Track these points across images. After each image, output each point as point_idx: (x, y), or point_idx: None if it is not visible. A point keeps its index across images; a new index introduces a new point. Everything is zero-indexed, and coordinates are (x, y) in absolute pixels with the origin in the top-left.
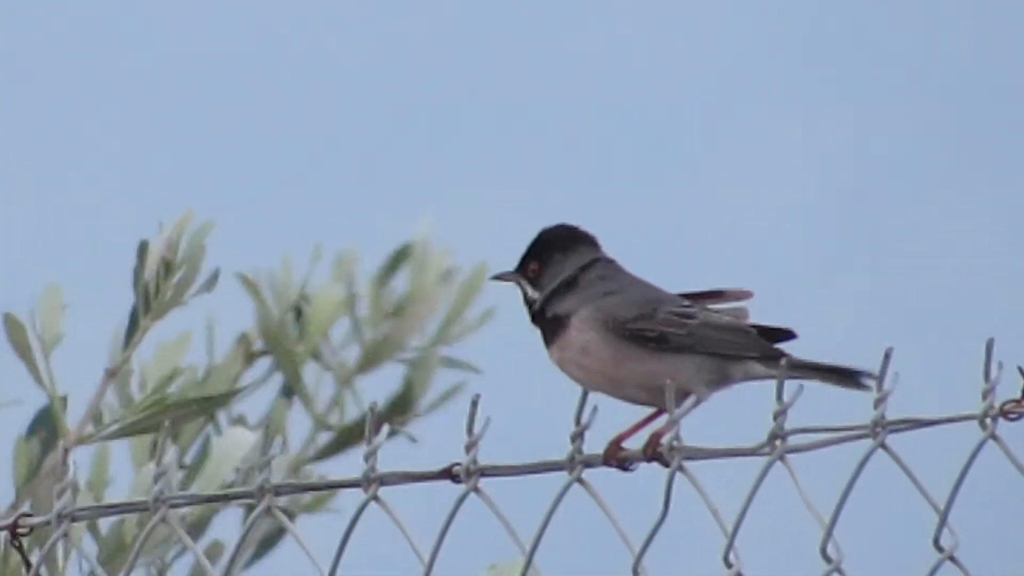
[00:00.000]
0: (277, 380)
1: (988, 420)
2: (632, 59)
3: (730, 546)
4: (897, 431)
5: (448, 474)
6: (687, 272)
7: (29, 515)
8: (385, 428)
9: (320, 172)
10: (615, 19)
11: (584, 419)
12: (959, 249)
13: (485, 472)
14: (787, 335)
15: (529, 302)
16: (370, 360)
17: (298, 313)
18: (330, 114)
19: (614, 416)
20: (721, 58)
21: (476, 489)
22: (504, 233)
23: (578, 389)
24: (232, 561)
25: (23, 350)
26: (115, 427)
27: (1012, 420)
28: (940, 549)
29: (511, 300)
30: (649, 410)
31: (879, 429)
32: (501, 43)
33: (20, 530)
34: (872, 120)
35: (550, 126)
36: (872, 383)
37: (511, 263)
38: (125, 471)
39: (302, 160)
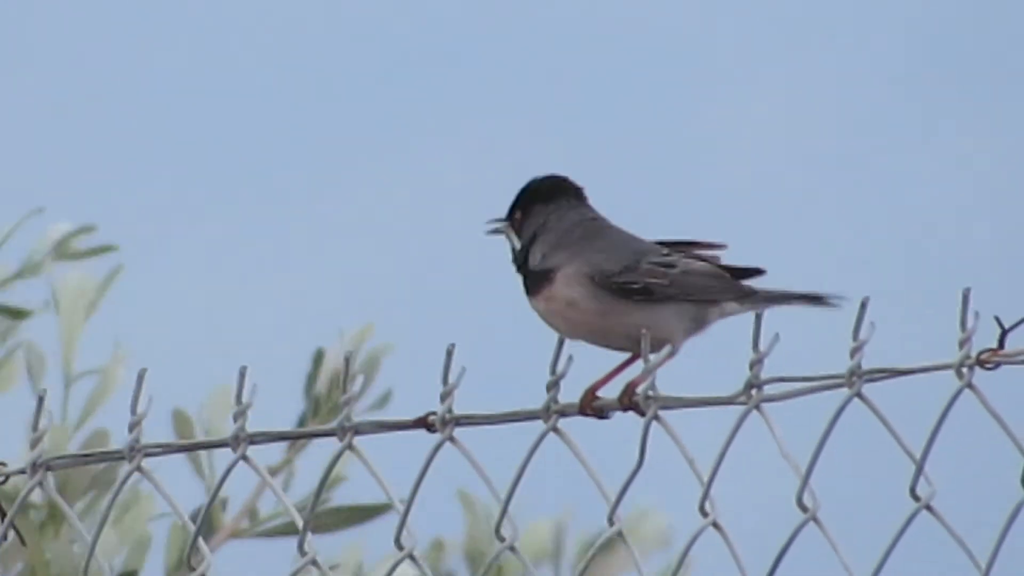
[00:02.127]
0: None
1: (964, 369)
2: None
3: (706, 495)
4: (873, 380)
5: (423, 423)
6: (667, 215)
7: (3, 463)
8: (360, 378)
9: (325, 173)
10: None
11: (560, 368)
12: (936, 199)
13: (460, 421)
14: (756, 273)
15: (513, 250)
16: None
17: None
18: (338, 104)
19: (589, 365)
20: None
21: (451, 438)
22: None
23: (554, 338)
24: (211, 502)
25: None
26: (269, 524)
27: (988, 369)
28: (916, 498)
29: (513, 313)
30: (623, 357)
31: (855, 378)
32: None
33: None
34: (854, 69)
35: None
36: (841, 303)
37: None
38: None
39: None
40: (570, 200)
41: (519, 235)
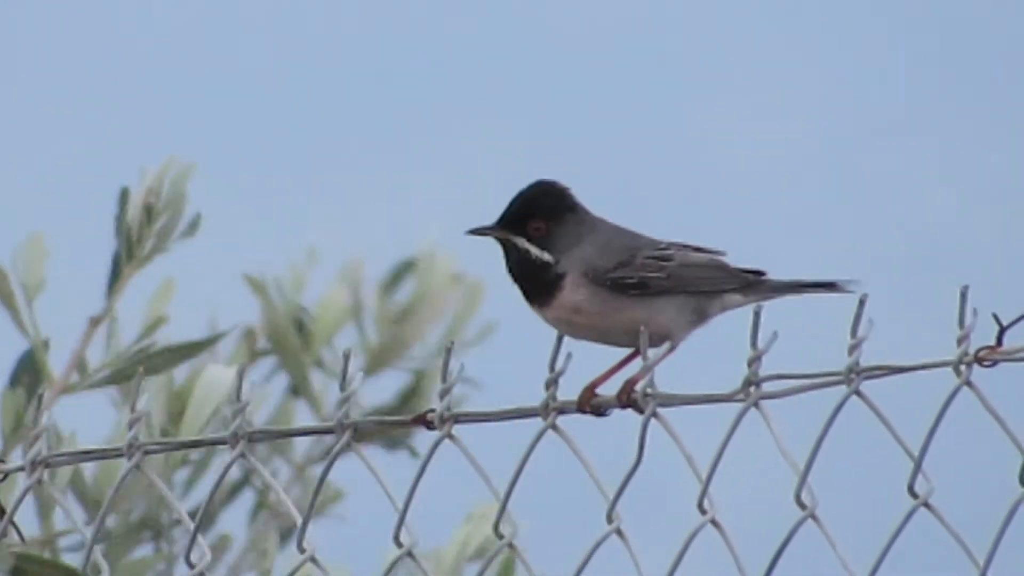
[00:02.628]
0: (281, 380)
1: (963, 367)
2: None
3: (704, 492)
4: (872, 378)
5: (422, 420)
6: (665, 217)
7: (2, 461)
8: (359, 375)
9: (327, 174)
10: None
11: (558, 365)
12: (935, 197)
13: (459, 419)
14: (757, 274)
15: (536, 261)
16: (374, 365)
17: (299, 324)
18: (337, 113)
19: (588, 362)
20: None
21: (450, 435)
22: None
23: (552, 336)
24: (208, 503)
25: (5, 297)
26: (100, 375)
27: (986, 367)
28: (915, 496)
29: (513, 311)
30: (623, 354)
31: (853, 375)
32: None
33: None
34: (853, 69)
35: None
36: (854, 289)
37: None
38: (108, 421)
39: (309, 161)
40: (580, 205)
41: (545, 246)
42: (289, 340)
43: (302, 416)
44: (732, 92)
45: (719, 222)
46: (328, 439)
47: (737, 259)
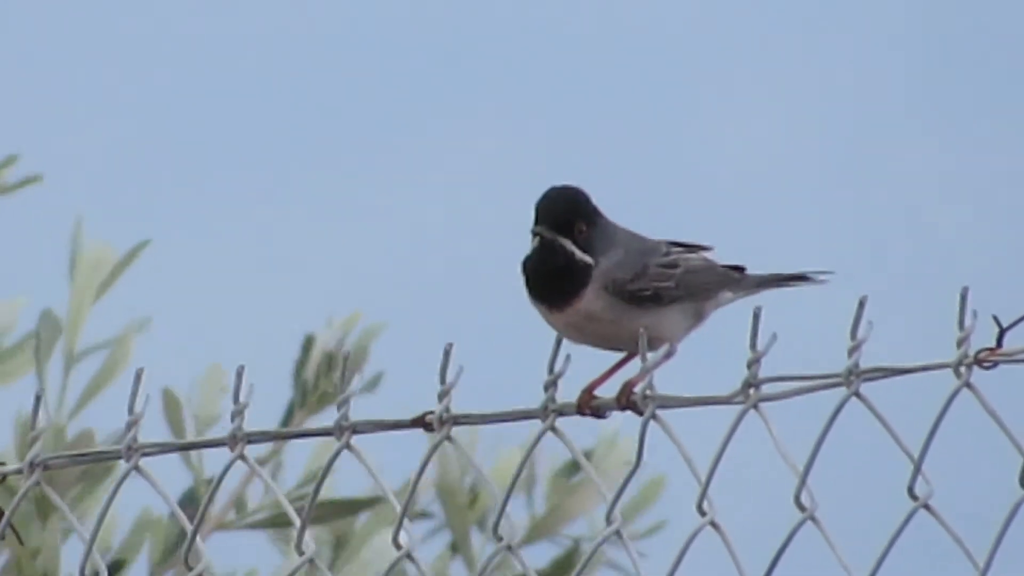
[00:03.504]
0: (443, 537)
1: (962, 368)
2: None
3: (703, 494)
4: (871, 379)
5: (421, 423)
6: (662, 214)
7: (2, 463)
8: (357, 378)
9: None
10: None
11: (557, 367)
12: (935, 198)
13: (458, 421)
14: (739, 271)
15: (580, 263)
16: (537, 532)
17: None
18: (338, 101)
19: (587, 364)
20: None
21: (449, 438)
22: None
23: (552, 338)
24: (208, 502)
25: (177, 428)
26: (256, 516)
27: (986, 368)
28: (915, 498)
29: (511, 314)
30: (620, 355)
31: (853, 377)
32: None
33: None
34: (854, 70)
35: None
36: (828, 279)
37: None
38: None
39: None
40: (599, 210)
41: (586, 249)
42: (458, 495)
43: (456, 573)
44: (734, 92)
45: (720, 221)
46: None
47: (736, 257)
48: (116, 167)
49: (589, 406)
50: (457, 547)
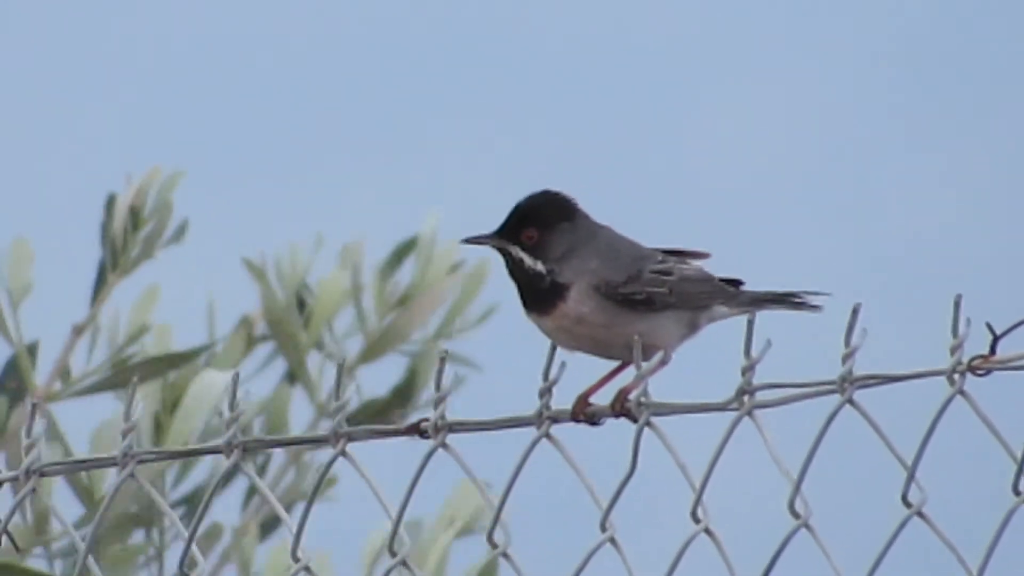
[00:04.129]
0: (279, 366)
1: (956, 376)
2: (609, 20)
3: (698, 501)
4: (865, 387)
5: (415, 430)
6: (654, 221)
7: None
8: (354, 384)
9: (326, 158)
10: None
11: (552, 375)
12: (928, 206)
13: (453, 428)
14: (736, 285)
15: (529, 271)
16: (373, 350)
17: (301, 302)
18: (336, 97)
19: (582, 372)
20: (699, 11)
21: (444, 445)
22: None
23: (546, 345)
24: (203, 511)
25: None
26: (83, 384)
27: (980, 376)
28: (908, 505)
29: (510, 319)
30: (614, 364)
31: (847, 384)
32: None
33: None
34: (843, 78)
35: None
36: (822, 305)
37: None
38: (90, 427)
39: (307, 145)
40: (581, 214)
41: (537, 255)
42: (288, 324)
43: (298, 401)
44: (731, 98)
45: (715, 226)
46: (324, 426)
47: (731, 263)
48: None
49: (584, 413)
50: (295, 375)
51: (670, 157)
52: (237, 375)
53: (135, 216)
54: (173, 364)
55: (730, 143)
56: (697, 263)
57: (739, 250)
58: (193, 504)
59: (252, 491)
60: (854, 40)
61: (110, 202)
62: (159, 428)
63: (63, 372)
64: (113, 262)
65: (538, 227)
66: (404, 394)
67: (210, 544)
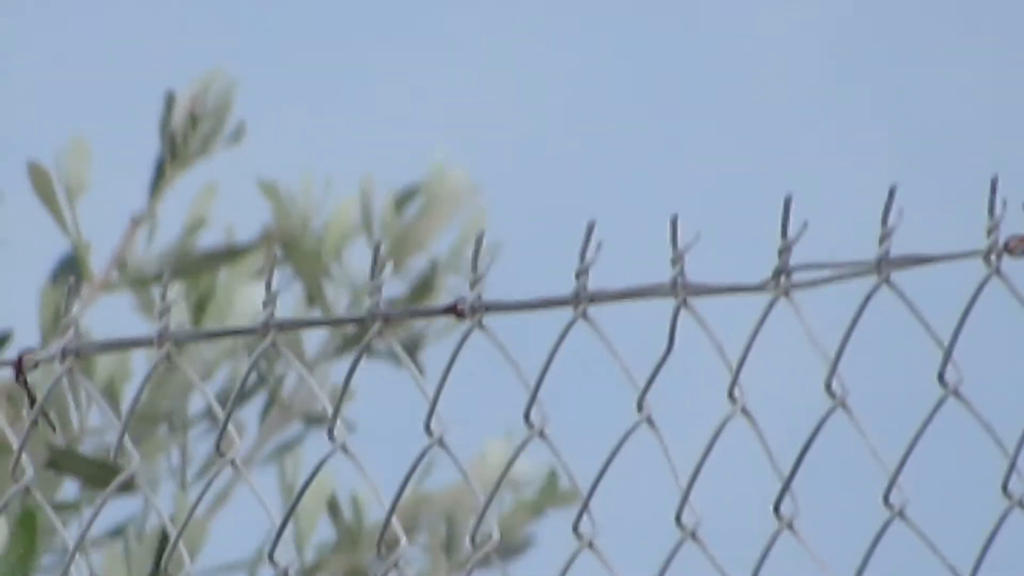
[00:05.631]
0: (295, 291)
1: (992, 257)
2: None
3: (735, 381)
4: (902, 268)
5: (453, 310)
6: (691, 105)
7: (33, 350)
8: (389, 265)
9: (340, 82)
10: None
11: (588, 256)
12: (966, 85)
13: (489, 308)
14: None
15: None
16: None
17: (311, 234)
18: (351, 17)
19: (618, 252)
20: None
21: (480, 325)
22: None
23: (582, 227)
24: (237, 396)
25: (48, 198)
26: (139, 275)
27: (1017, 256)
28: (944, 384)
29: (515, 236)
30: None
31: (883, 265)
32: None
33: (25, 366)
34: None
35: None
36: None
37: (523, 181)
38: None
39: (321, 69)
40: None
41: None
42: (303, 248)
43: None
44: None
45: (744, 111)
46: (338, 339)
47: (768, 150)
48: None
49: None
50: (312, 297)
51: (692, 40)
52: (273, 258)
53: (194, 114)
54: (223, 259)
55: (752, 22)
56: None
57: (767, 133)
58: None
59: (271, 402)
60: None
61: (169, 98)
62: (197, 325)
63: (120, 263)
64: (172, 155)
65: None
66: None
67: (230, 445)
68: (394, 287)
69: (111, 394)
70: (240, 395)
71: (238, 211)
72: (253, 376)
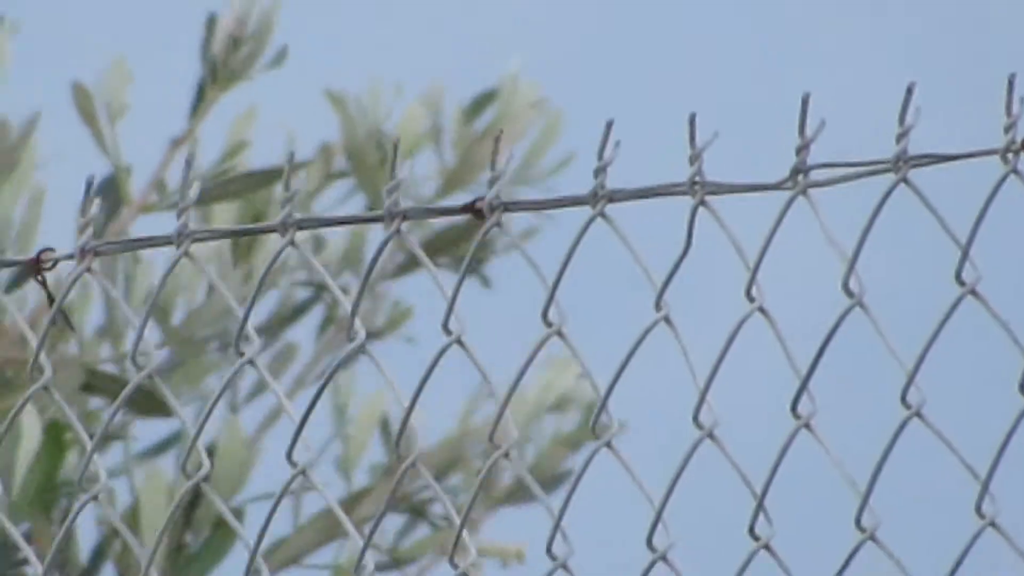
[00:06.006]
0: (357, 202)
1: (1010, 155)
2: None
3: (752, 280)
4: (919, 166)
5: (471, 209)
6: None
7: (51, 249)
8: (409, 163)
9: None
10: None
11: (606, 155)
12: None
13: (508, 207)
14: None
15: None
16: (449, 188)
17: (380, 144)
18: None
19: (638, 151)
20: None
21: (499, 224)
22: (587, 71)
23: (601, 127)
24: (254, 296)
25: (89, 119)
26: (178, 196)
27: None
28: (962, 283)
29: (588, 144)
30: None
31: (901, 163)
32: None
33: (44, 265)
34: None
35: None
36: None
37: (598, 97)
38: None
39: None
40: None
41: None
42: (368, 159)
43: (375, 235)
44: None
45: (763, 9)
46: (399, 258)
47: (787, 51)
48: None
49: None
50: (372, 208)
51: None
52: (291, 155)
53: (235, 36)
54: (263, 181)
55: None
56: None
57: (795, 29)
58: (267, 330)
59: (328, 320)
60: None
61: (210, 21)
62: (237, 246)
63: (159, 185)
64: (213, 77)
65: None
66: (473, 233)
67: (283, 366)
68: (462, 198)
69: (159, 313)
70: (257, 296)
71: (300, 123)
72: (307, 292)
